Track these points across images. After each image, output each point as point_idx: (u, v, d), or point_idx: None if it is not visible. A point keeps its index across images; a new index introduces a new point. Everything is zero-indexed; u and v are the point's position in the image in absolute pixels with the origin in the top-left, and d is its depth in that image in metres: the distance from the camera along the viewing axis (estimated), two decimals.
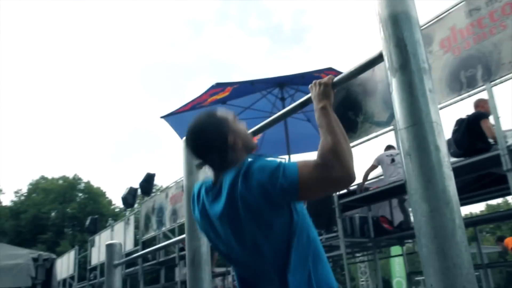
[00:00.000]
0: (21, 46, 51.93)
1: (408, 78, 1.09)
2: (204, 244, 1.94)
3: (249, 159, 1.27)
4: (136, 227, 11.27)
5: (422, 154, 1.03)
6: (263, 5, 57.85)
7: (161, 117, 7.02)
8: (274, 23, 59.02)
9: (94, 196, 32.64)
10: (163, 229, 9.31)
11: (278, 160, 1.24)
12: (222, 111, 1.44)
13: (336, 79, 1.37)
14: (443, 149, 1.04)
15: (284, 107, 5.58)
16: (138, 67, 58.06)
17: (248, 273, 1.37)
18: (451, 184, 1.01)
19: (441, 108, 4.24)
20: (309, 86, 1.41)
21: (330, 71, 6.11)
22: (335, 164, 1.15)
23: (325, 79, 1.38)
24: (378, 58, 1.23)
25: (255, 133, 1.71)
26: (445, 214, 0.99)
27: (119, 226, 11.88)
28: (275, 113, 1.75)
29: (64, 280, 15.84)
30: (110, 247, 2.78)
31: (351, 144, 5.39)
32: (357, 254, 9.46)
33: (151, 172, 10.88)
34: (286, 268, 1.24)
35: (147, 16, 55.89)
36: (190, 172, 2.00)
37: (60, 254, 18.64)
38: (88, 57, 55.34)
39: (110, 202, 33.66)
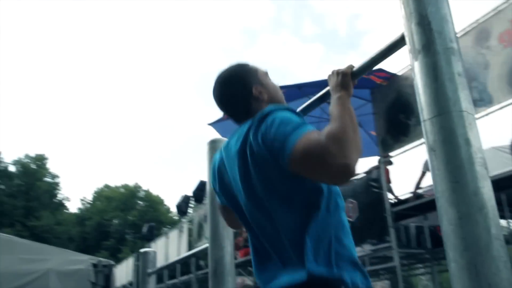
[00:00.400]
0: (83, 60, 55.01)
1: (432, 60, 0.91)
2: (228, 253, 1.82)
3: (271, 107, 1.16)
4: (191, 234, 11.37)
5: (449, 149, 0.85)
6: (317, 11, 57.32)
7: (209, 124, 7.02)
8: (329, 28, 58.29)
9: (154, 204, 33.63)
10: None
11: (299, 120, 1.09)
12: (254, 64, 1.40)
13: (356, 68, 1.22)
14: (476, 143, 0.85)
15: None
16: (195, 76, 59.43)
17: (260, 238, 1.22)
18: (485, 185, 0.82)
19: (501, 108, 3.89)
20: (327, 76, 1.27)
21: (380, 72, 5.81)
22: (335, 151, 0.97)
23: (344, 68, 1.24)
24: (400, 41, 1.06)
25: None
26: (478, 222, 0.80)
27: (173, 234, 12.06)
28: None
29: (124, 286, 16.32)
30: (143, 255, 2.74)
31: (403, 149, 5.11)
32: (419, 265, 8.95)
33: (204, 180, 10.94)
34: (304, 231, 1.09)
35: (204, 26, 57.27)
36: None
37: (121, 260, 19.27)
38: (145, 67, 57.52)
39: (168, 209, 34.52)
